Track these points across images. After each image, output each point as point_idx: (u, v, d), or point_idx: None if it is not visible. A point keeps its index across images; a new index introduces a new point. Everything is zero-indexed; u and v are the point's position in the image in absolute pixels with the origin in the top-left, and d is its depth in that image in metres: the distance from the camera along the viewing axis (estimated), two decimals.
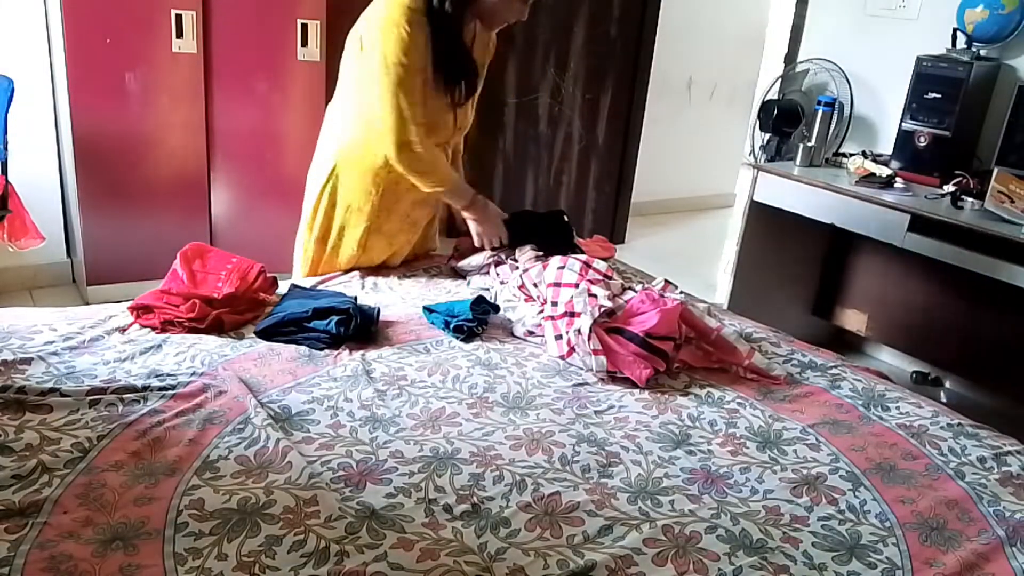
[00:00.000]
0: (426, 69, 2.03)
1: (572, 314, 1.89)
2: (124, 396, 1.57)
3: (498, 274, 2.23)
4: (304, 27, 3.27)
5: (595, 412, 1.68)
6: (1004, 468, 1.58)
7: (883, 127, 3.27)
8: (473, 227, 2.27)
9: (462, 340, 1.93)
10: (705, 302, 2.12)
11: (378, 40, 1.98)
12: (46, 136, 3.29)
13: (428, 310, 2.04)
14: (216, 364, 1.73)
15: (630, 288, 2.06)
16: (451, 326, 1.94)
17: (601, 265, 2.07)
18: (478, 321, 1.97)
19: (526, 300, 2.07)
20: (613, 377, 1.81)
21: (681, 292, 2.15)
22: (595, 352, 1.80)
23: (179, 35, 3.08)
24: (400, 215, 2.25)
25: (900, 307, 3.35)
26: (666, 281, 2.16)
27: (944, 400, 3.15)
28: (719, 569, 1.27)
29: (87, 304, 3.11)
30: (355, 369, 1.76)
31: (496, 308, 2.06)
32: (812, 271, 3.55)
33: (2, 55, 3.07)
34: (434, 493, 1.39)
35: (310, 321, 1.87)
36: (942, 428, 1.71)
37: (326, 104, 2.32)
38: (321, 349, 1.83)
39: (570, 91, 4.44)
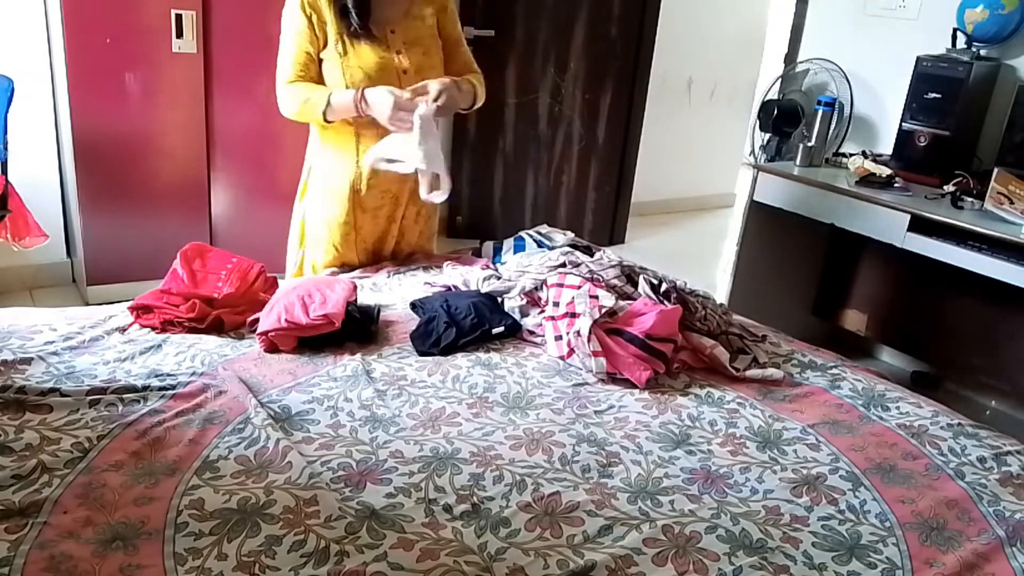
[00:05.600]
0: (324, 31, 2.14)
1: (573, 315, 1.89)
2: (124, 396, 1.57)
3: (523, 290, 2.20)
4: None
5: (595, 412, 1.69)
6: (1004, 468, 1.58)
7: (883, 127, 3.27)
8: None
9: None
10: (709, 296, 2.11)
11: (283, 17, 2.19)
12: (46, 136, 3.28)
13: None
14: (216, 364, 1.73)
15: (635, 295, 2.05)
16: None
17: (609, 273, 2.06)
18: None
19: (529, 302, 2.06)
20: (613, 377, 1.81)
21: (689, 289, 2.12)
22: (595, 353, 1.80)
23: (179, 35, 3.08)
24: (380, 189, 2.29)
25: (900, 307, 3.34)
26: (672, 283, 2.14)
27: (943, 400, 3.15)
28: (719, 569, 1.27)
29: (87, 304, 3.12)
30: (355, 369, 1.76)
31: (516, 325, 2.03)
32: (812, 271, 3.55)
33: (2, 55, 3.06)
34: (434, 493, 1.39)
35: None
36: (942, 428, 1.71)
37: None
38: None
39: (570, 91, 4.44)
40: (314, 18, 2.13)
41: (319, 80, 2.20)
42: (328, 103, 2.11)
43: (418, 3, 2.25)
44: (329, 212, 2.30)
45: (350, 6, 2.11)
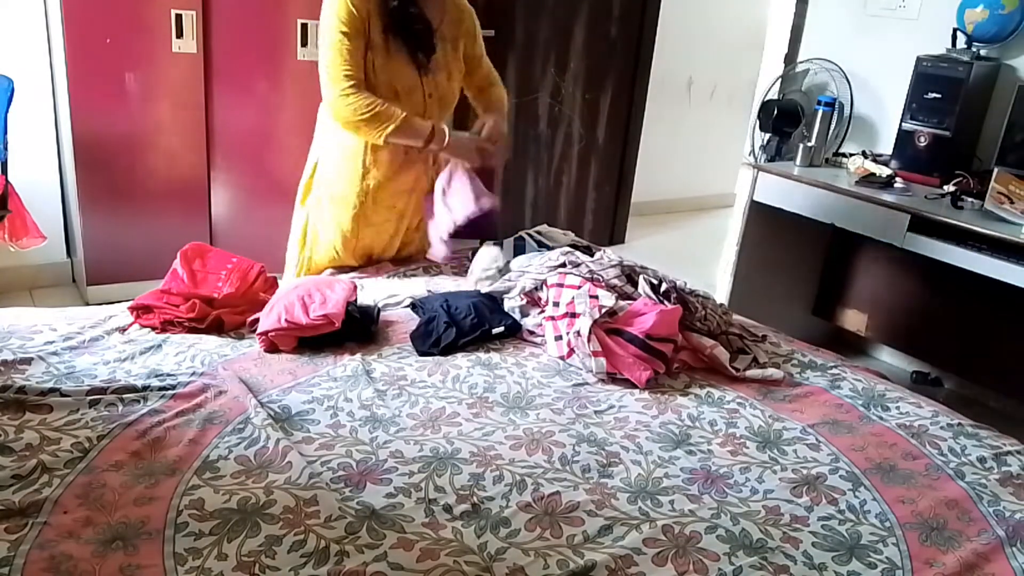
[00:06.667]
0: (369, 31, 2.07)
1: (573, 315, 1.89)
2: (124, 396, 1.57)
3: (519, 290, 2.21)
4: (304, 27, 3.27)
5: (595, 412, 1.69)
6: (1004, 468, 1.58)
7: (883, 127, 3.27)
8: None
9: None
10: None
11: (324, 13, 2.07)
12: (46, 136, 3.28)
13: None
14: (216, 364, 1.73)
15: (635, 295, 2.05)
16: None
17: (609, 272, 2.07)
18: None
19: (529, 303, 2.06)
20: (613, 377, 1.81)
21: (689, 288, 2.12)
22: (595, 353, 1.80)
23: (179, 35, 3.08)
24: (386, 205, 2.28)
25: (900, 307, 3.34)
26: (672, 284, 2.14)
27: (943, 400, 3.15)
28: (719, 569, 1.27)
29: (87, 304, 3.11)
30: (355, 369, 1.76)
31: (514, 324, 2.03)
32: (812, 271, 3.55)
33: (2, 55, 3.06)
34: (434, 493, 1.39)
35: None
36: (942, 428, 1.71)
37: None
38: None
39: (570, 91, 4.43)
40: (364, 23, 2.05)
41: (367, 82, 2.09)
42: (400, 124, 2.05)
43: (448, 24, 2.23)
44: (333, 219, 2.28)
45: (412, 22, 2.08)
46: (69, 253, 3.49)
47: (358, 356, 1.82)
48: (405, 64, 2.13)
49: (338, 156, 2.22)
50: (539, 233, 2.50)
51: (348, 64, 2.03)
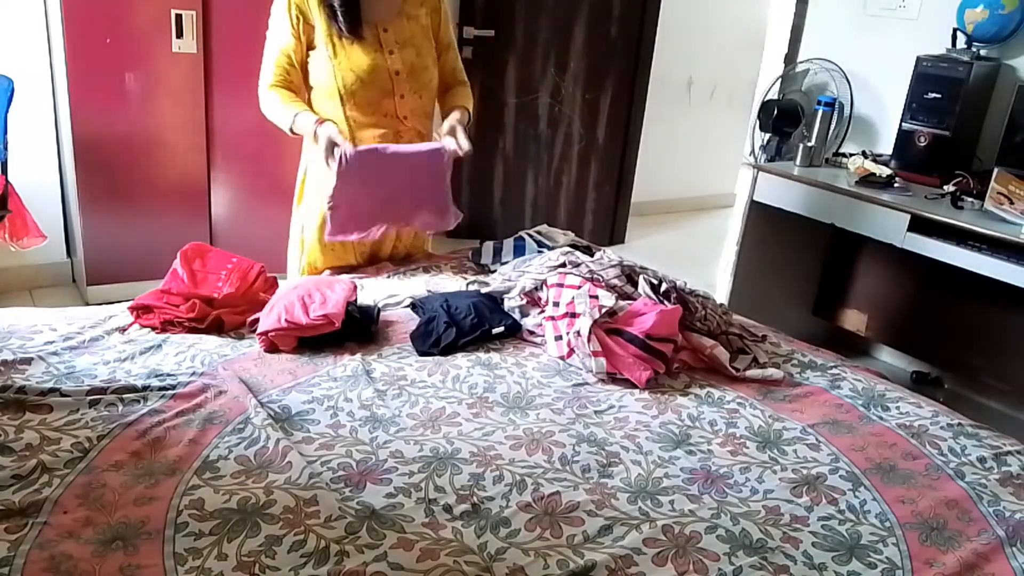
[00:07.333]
0: (314, 24, 2.12)
1: (573, 315, 1.89)
2: (124, 396, 1.57)
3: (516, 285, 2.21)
4: None
5: (595, 412, 1.69)
6: (1004, 468, 1.58)
7: (883, 127, 3.27)
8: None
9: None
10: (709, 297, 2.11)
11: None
12: (46, 136, 3.28)
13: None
14: (216, 364, 1.73)
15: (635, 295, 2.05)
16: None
17: (609, 272, 2.07)
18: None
19: (529, 303, 2.06)
20: (613, 377, 1.81)
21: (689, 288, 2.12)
22: (595, 353, 1.80)
23: (179, 35, 3.08)
24: None
25: (900, 307, 3.34)
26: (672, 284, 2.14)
27: (943, 400, 3.15)
28: (719, 569, 1.27)
29: (87, 304, 3.11)
30: (355, 369, 1.76)
31: (514, 325, 2.03)
32: (812, 271, 3.55)
33: (2, 55, 3.06)
34: (434, 493, 1.39)
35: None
36: (942, 428, 1.71)
37: None
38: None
39: (570, 91, 4.44)
40: (300, 21, 2.10)
41: (301, 85, 2.19)
42: (291, 126, 2.15)
43: (411, 2, 2.23)
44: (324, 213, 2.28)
45: (336, 6, 2.08)
46: (69, 253, 3.49)
47: (358, 356, 1.82)
48: (362, 48, 2.13)
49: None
50: (539, 233, 2.50)
51: (270, 71, 2.16)
